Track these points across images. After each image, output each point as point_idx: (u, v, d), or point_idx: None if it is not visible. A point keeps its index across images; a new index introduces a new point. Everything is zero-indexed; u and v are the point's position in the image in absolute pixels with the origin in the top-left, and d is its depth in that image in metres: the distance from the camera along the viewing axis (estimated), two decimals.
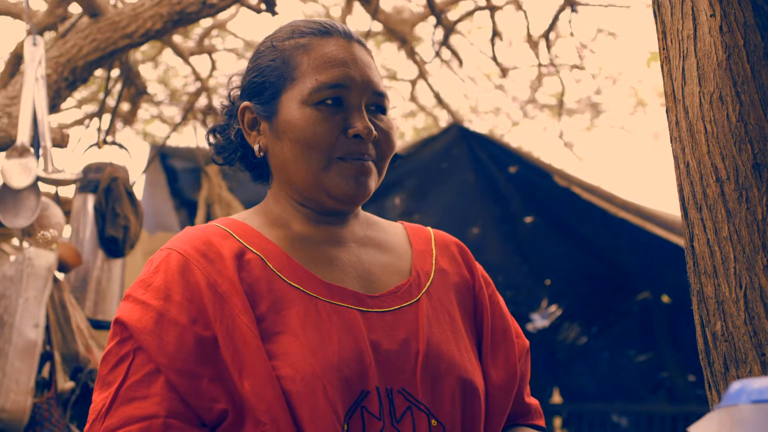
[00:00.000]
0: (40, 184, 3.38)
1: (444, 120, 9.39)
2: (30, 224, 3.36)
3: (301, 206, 1.62)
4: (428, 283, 1.65)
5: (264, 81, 1.63)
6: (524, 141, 11.69)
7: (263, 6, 4.21)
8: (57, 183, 3.53)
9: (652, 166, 18.43)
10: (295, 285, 1.51)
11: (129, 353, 1.43)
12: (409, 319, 1.57)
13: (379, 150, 1.60)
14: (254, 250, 1.54)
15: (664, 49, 1.69)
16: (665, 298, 8.38)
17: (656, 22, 1.72)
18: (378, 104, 1.62)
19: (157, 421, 1.37)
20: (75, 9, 4.53)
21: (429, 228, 1.81)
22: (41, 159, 3.34)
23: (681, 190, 1.65)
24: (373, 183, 1.60)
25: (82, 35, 4.00)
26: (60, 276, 3.59)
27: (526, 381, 1.75)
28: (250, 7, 4.37)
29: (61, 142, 3.73)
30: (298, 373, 1.40)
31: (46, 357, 3.32)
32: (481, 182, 7.55)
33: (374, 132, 1.57)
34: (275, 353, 1.43)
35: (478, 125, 10.45)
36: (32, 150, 3.31)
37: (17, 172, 3.26)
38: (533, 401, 1.77)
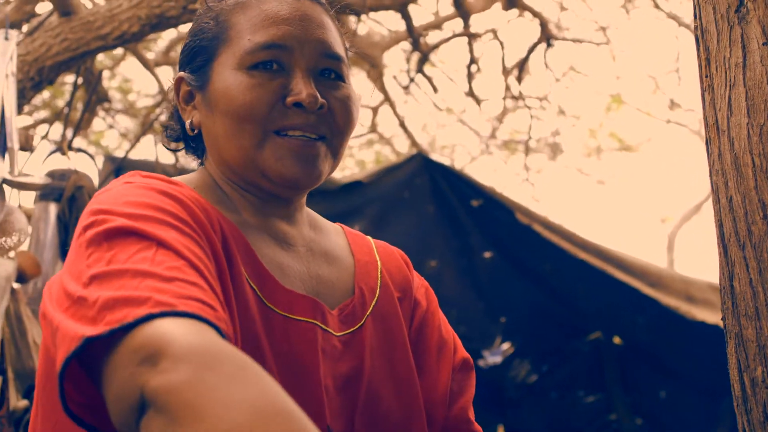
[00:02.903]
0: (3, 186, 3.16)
1: (404, 149, 9.34)
2: None
3: (245, 192, 1.41)
4: (374, 302, 1.47)
5: (196, 46, 1.43)
6: (481, 176, 11.69)
7: None
8: (24, 187, 3.31)
9: (601, 209, 18.63)
10: (253, 286, 1.29)
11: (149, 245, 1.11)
12: (354, 352, 1.39)
13: (333, 124, 1.38)
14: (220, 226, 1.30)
15: (707, 76, 1.61)
16: (617, 340, 8.38)
17: (698, 49, 1.64)
18: (332, 69, 1.40)
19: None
20: (44, 7, 4.37)
21: (368, 237, 1.62)
22: (6, 161, 3.14)
23: (721, 226, 1.56)
24: (325, 165, 1.38)
25: (52, 34, 3.84)
26: (16, 286, 3.38)
27: (466, 396, 1.54)
28: None
29: (25, 144, 3.54)
30: None
31: None
32: (441, 214, 7.48)
33: (321, 100, 1.35)
34: None
35: (436, 157, 10.42)
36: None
37: None
38: (478, 428, 1.55)
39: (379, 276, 1.51)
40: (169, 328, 0.96)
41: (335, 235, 1.55)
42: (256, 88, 1.33)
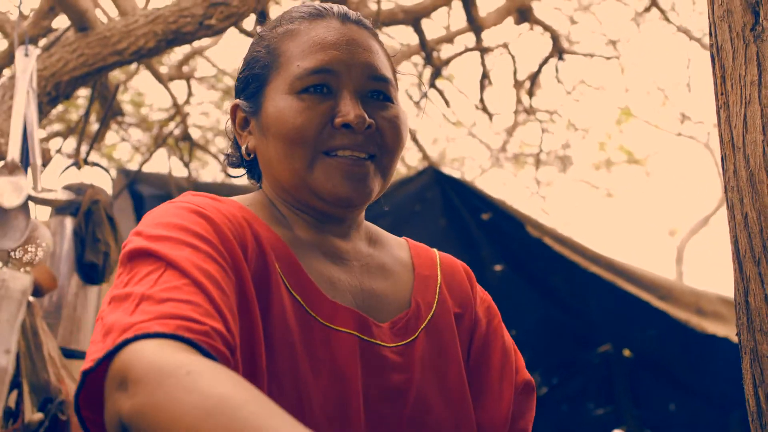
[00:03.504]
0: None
1: (414, 162, 9.35)
2: (18, 246, 3.17)
3: (299, 211, 1.45)
4: (429, 316, 1.49)
5: (249, 74, 1.48)
6: (491, 188, 11.72)
7: (259, 29, 4.12)
8: (48, 203, 3.35)
9: (610, 222, 18.59)
10: (297, 297, 1.34)
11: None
12: (405, 364, 1.41)
13: (382, 143, 1.41)
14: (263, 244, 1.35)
15: (722, 94, 1.63)
16: (627, 352, 8.37)
17: (714, 67, 1.65)
18: (380, 91, 1.44)
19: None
20: (60, 22, 4.40)
21: (435, 250, 1.64)
22: (29, 176, 3.17)
23: (736, 242, 1.57)
24: (374, 183, 1.41)
25: (69, 49, 3.86)
26: (32, 300, 3.40)
27: (525, 418, 1.56)
28: (244, 31, 4.28)
29: (42, 158, 3.57)
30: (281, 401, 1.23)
31: (14, 385, 3.13)
32: (452, 227, 7.49)
33: (368, 120, 1.38)
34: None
35: (447, 170, 10.44)
36: (22, 167, 3.14)
37: (8, 190, 3.07)
38: None
39: (438, 291, 1.53)
40: (135, 353, 1.03)
41: (397, 249, 1.57)
42: (305, 111, 1.37)
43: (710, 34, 1.67)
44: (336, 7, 1.48)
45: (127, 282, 1.17)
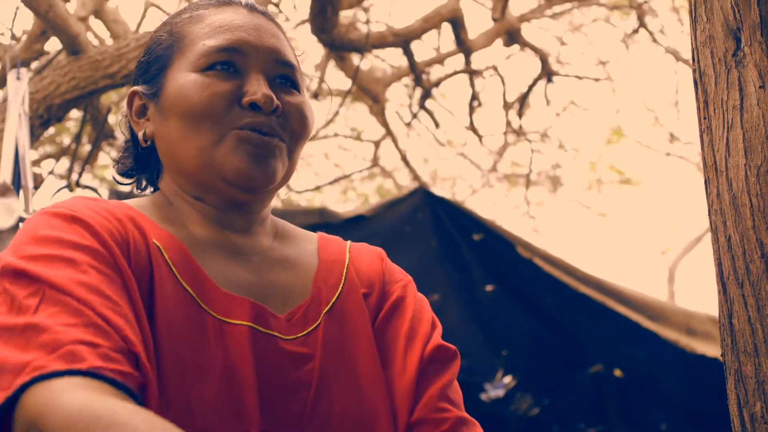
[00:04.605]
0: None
1: (405, 182, 9.38)
2: None
3: (197, 201, 1.40)
4: (334, 298, 1.42)
5: (150, 57, 1.43)
6: (482, 209, 11.74)
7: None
8: None
9: (601, 242, 18.62)
10: (190, 290, 1.28)
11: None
12: (304, 354, 1.34)
13: (288, 128, 1.38)
14: (155, 241, 1.29)
15: (705, 118, 1.65)
16: (618, 373, 8.38)
17: (697, 92, 1.68)
18: (287, 76, 1.42)
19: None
20: (52, 45, 4.43)
21: (349, 241, 1.58)
22: (21, 199, 3.19)
23: (720, 264, 1.60)
24: (280, 165, 1.36)
25: (60, 72, 3.89)
26: None
27: (438, 383, 1.42)
28: None
29: (34, 181, 3.59)
30: (168, 400, 1.18)
31: None
32: (443, 248, 7.51)
33: (276, 101, 1.35)
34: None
35: (437, 190, 10.47)
36: (14, 189, 3.15)
37: (0, 213, 3.09)
38: (455, 412, 1.41)
39: (345, 273, 1.47)
40: (42, 400, 1.00)
41: (304, 242, 1.52)
42: (210, 87, 1.33)
43: (693, 60, 1.69)
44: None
45: (8, 309, 1.11)
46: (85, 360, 1.04)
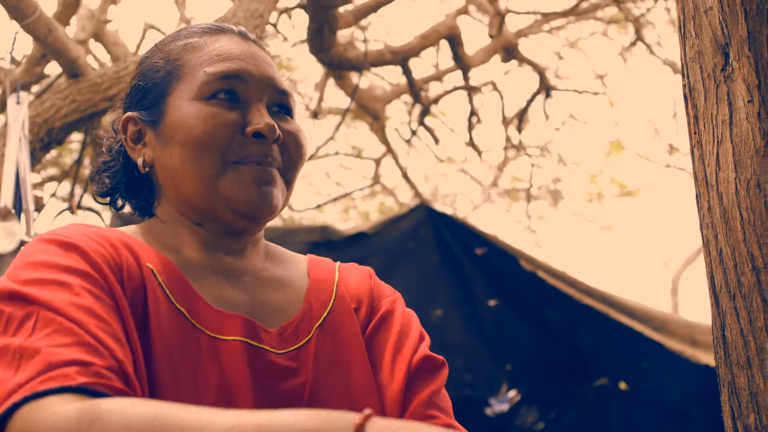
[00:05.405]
0: None
1: (406, 199, 9.40)
2: None
3: (196, 226, 1.42)
4: (325, 313, 1.45)
5: (147, 84, 1.44)
6: (483, 224, 11.75)
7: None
8: None
9: (603, 254, 18.60)
10: (183, 310, 1.30)
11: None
12: (296, 368, 1.36)
13: (286, 156, 1.41)
14: (149, 265, 1.32)
15: (695, 133, 1.67)
16: (623, 385, 8.36)
17: (687, 107, 1.70)
18: (282, 104, 1.44)
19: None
20: (52, 69, 4.46)
21: (338, 262, 1.60)
22: (22, 222, 3.21)
23: (712, 278, 1.61)
24: (280, 194, 1.39)
25: (60, 96, 3.92)
26: None
27: (426, 391, 1.43)
28: None
29: (35, 204, 3.61)
30: None
31: None
32: (445, 263, 7.50)
33: (278, 131, 1.37)
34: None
35: (438, 206, 10.49)
36: (15, 213, 3.17)
37: (1, 236, 3.10)
38: (444, 419, 1.42)
39: (335, 289, 1.49)
40: (32, 415, 1.02)
41: (295, 264, 1.54)
42: (215, 117, 1.35)
43: (683, 75, 1.71)
44: (235, 27, 1.49)
45: (3, 330, 1.14)
46: (76, 378, 1.07)
